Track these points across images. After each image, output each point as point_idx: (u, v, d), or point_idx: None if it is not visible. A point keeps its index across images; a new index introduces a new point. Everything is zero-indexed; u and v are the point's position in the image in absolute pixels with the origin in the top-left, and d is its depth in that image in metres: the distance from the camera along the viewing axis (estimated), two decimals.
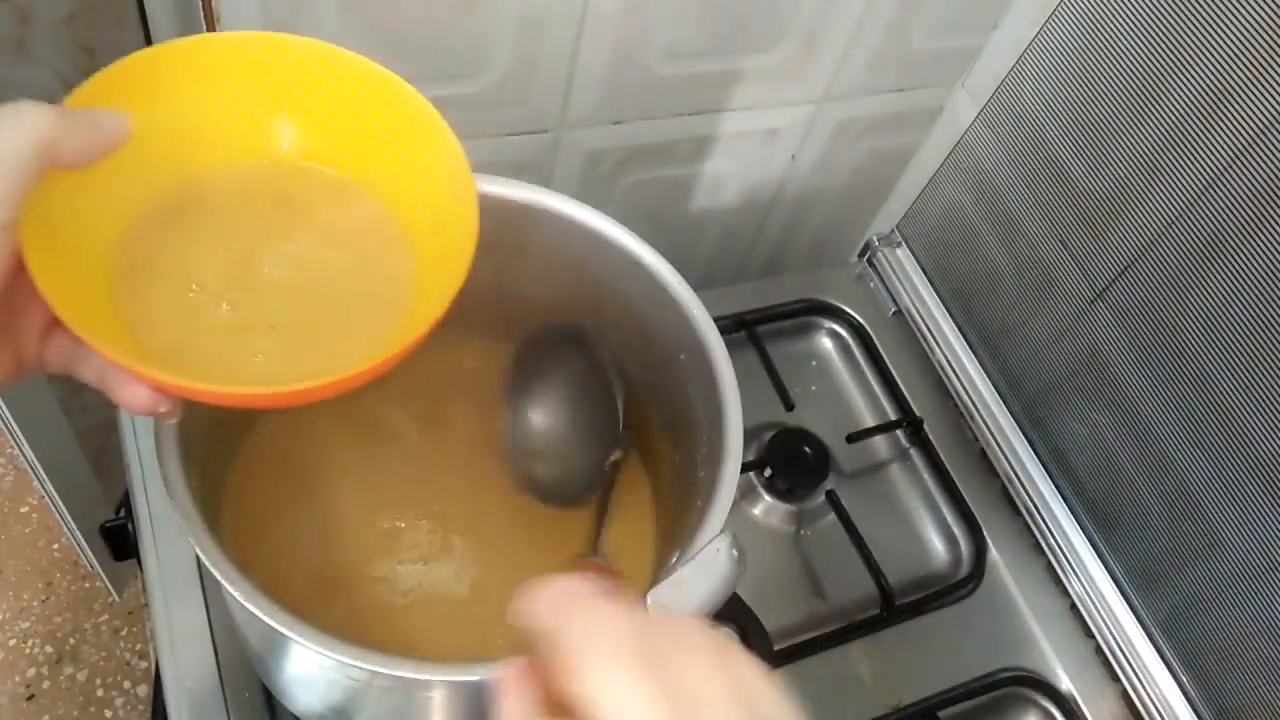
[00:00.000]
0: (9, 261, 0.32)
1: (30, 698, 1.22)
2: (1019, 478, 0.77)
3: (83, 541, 1.12)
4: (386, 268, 0.42)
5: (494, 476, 0.60)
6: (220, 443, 0.53)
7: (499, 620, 0.56)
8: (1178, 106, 0.61)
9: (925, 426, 0.79)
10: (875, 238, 0.88)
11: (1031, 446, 0.78)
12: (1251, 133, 0.57)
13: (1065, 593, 0.74)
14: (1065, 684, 0.70)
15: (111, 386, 0.36)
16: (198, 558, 0.47)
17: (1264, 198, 0.57)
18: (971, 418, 0.80)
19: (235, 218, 0.41)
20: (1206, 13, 0.58)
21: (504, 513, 0.59)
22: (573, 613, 0.31)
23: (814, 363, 0.83)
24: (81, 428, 0.96)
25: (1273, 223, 0.57)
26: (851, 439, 0.77)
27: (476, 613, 0.56)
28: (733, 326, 0.79)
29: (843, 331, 0.84)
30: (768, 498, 0.73)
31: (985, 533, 0.75)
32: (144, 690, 1.25)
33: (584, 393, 0.57)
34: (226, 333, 0.39)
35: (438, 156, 0.41)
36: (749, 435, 0.50)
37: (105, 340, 0.33)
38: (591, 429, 0.57)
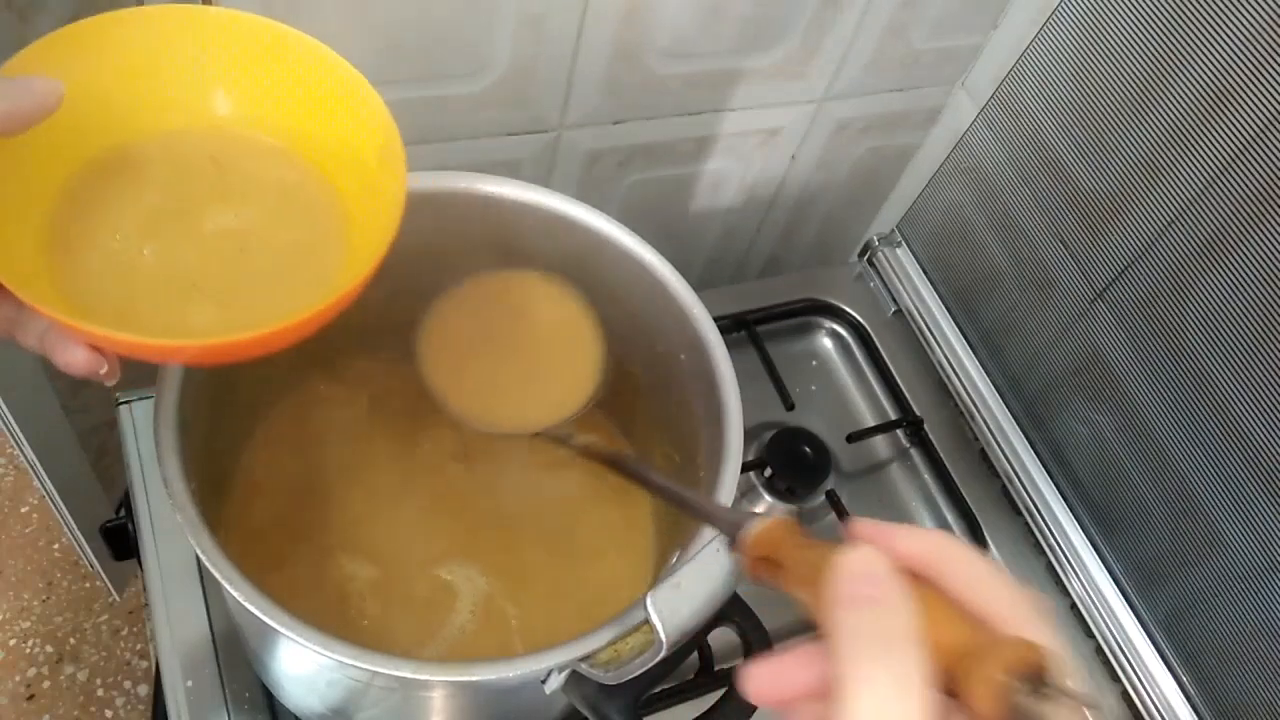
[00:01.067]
0: None
1: (30, 697, 1.22)
2: (1019, 477, 0.77)
3: (83, 541, 1.12)
4: (318, 228, 0.43)
5: (495, 477, 0.60)
6: (221, 442, 0.53)
7: (502, 621, 0.56)
8: (1177, 106, 0.61)
9: (925, 426, 0.79)
10: (875, 237, 0.88)
11: (1031, 446, 0.78)
12: (1251, 132, 0.57)
13: (1066, 592, 0.74)
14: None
15: (52, 350, 0.36)
16: (198, 558, 0.47)
17: (1264, 197, 0.57)
18: (972, 417, 0.80)
19: (167, 180, 0.42)
20: (1206, 13, 0.58)
21: (512, 515, 0.59)
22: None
23: (814, 362, 0.83)
24: (82, 428, 0.96)
25: (1272, 222, 0.57)
26: (852, 439, 0.77)
27: (479, 612, 0.56)
28: (733, 326, 0.79)
29: (843, 331, 0.84)
30: (768, 497, 0.73)
31: (985, 532, 0.75)
32: (144, 690, 1.25)
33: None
34: (159, 290, 0.39)
35: (366, 123, 0.42)
36: (749, 435, 0.50)
37: (43, 299, 0.34)
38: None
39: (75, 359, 0.36)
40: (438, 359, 0.52)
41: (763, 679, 0.29)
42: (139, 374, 0.40)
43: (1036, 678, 0.24)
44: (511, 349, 0.54)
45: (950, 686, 0.25)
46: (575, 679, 0.42)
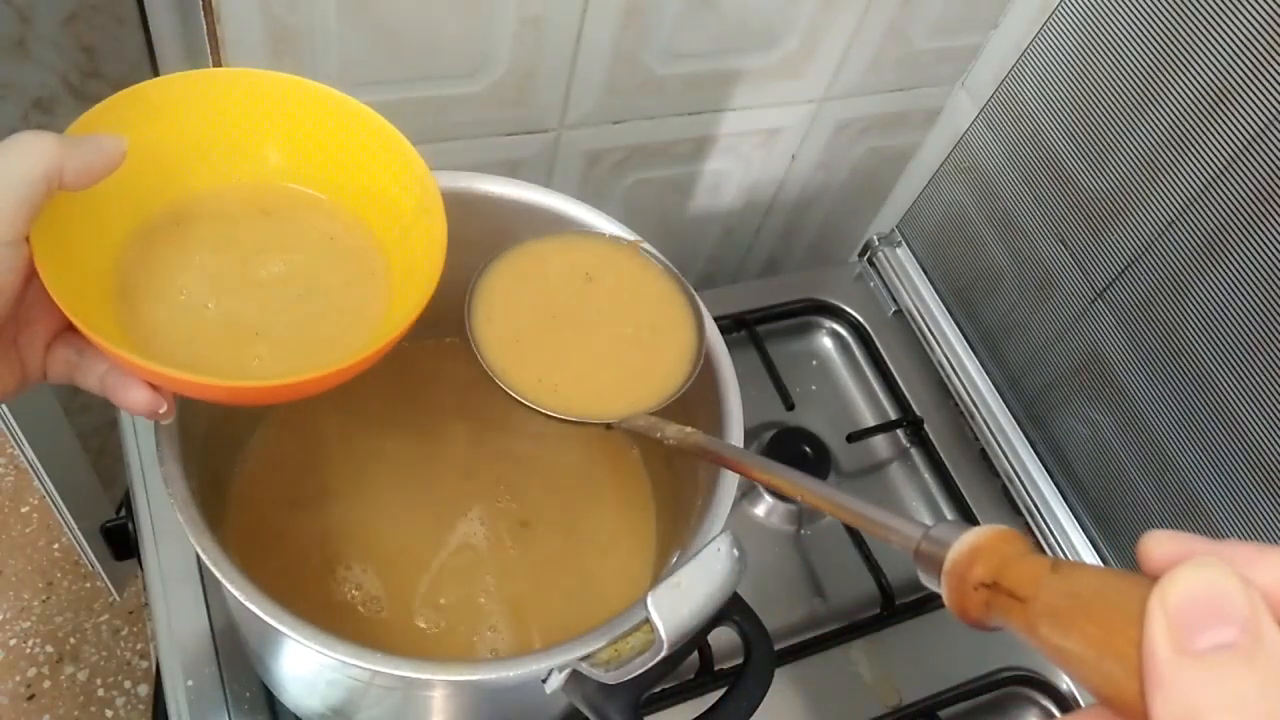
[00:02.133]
0: (20, 276, 0.35)
1: (31, 697, 1.22)
2: (1019, 477, 0.77)
3: (83, 541, 1.12)
4: (362, 273, 0.46)
5: (498, 476, 0.60)
6: (221, 442, 0.53)
7: (505, 621, 0.56)
8: (1178, 106, 0.61)
9: (925, 426, 0.79)
10: (875, 237, 0.88)
11: (1032, 446, 0.78)
12: (1251, 132, 0.57)
13: None
14: (1065, 684, 0.70)
15: (113, 391, 0.39)
16: (198, 557, 0.47)
17: (1264, 197, 0.57)
18: (972, 417, 0.80)
19: (224, 232, 0.45)
20: (1206, 12, 0.58)
21: (512, 515, 0.59)
22: None
23: (814, 362, 0.83)
24: (82, 428, 0.96)
25: (1272, 222, 0.57)
26: (852, 438, 0.77)
27: (480, 611, 0.56)
28: (733, 326, 0.79)
29: (843, 331, 0.84)
30: (768, 497, 0.73)
31: None
32: (145, 690, 1.25)
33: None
34: (218, 335, 0.42)
35: (404, 178, 0.45)
36: (749, 435, 0.49)
37: (113, 340, 0.36)
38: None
39: (137, 399, 0.39)
40: (498, 331, 0.47)
41: None
42: None
43: None
44: (587, 323, 0.48)
45: None
46: (575, 678, 0.42)
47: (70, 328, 0.39)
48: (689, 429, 0.43)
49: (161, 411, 0.39)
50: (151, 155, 0.42)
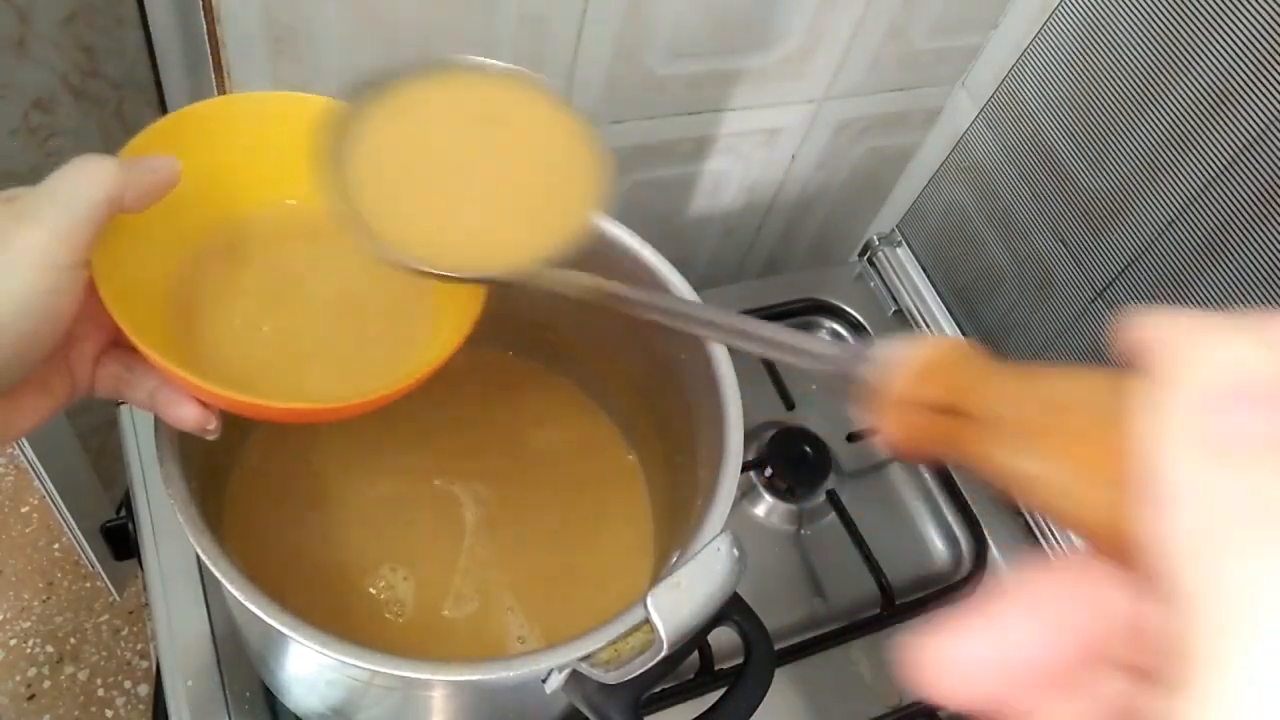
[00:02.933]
0: (80, 295, 0.36)
1: (31, 697, 1.22)
2: None
3: (83, 541, 1.12)
4: (407, 291, 0.46)
5: (499, 475, 0.60)
6: (221, 442, 0.53)
7: (504, 619, 0.56)
8: (1178, 106, 0.61)
9: None
10: (876, 237, 0.88)
11: None
12: (1252, 132, 0.57)
13: None
14: None
15: (163, 407, 0.40)
16: (198, 557, 0.47)
17: (1264, 197, 0.57)
18: None
19: (274, 254, 0.46)
20: (1207, 12, 0.58)
21: (512, 515, 0.59)
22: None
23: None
24: (82, 428, 0.96)
25: (1272, 222, 0.57)
26: (852, 438, 0.77)
27: (483, 612, 0.56)
28: None
29: (843, 331, 0.84)
30: (768, 497, 0.73)
31: (986, 532, 0.75)
32: (145, 690, 1.25)
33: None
34: (270, 356, 0.43)
35: None
36: (749, 434, 0.49)
37: (170, 358, 0.37)
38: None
39: (186, 415, 0.39)
40: (368, 176, 0.39)
41: (963, 655, 0.15)
42: None
43: None
44: (476, 172, 0.41)
45: None
46: (575, 678, 0.42)
47: (118, 342, 0.39)
48: (572, 271, 0.37)
49: (210, 428, 0.40)
50: (203, 177, 0.43)
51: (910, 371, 0.19)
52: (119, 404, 0.66)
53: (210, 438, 0.41)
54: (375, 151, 0.40)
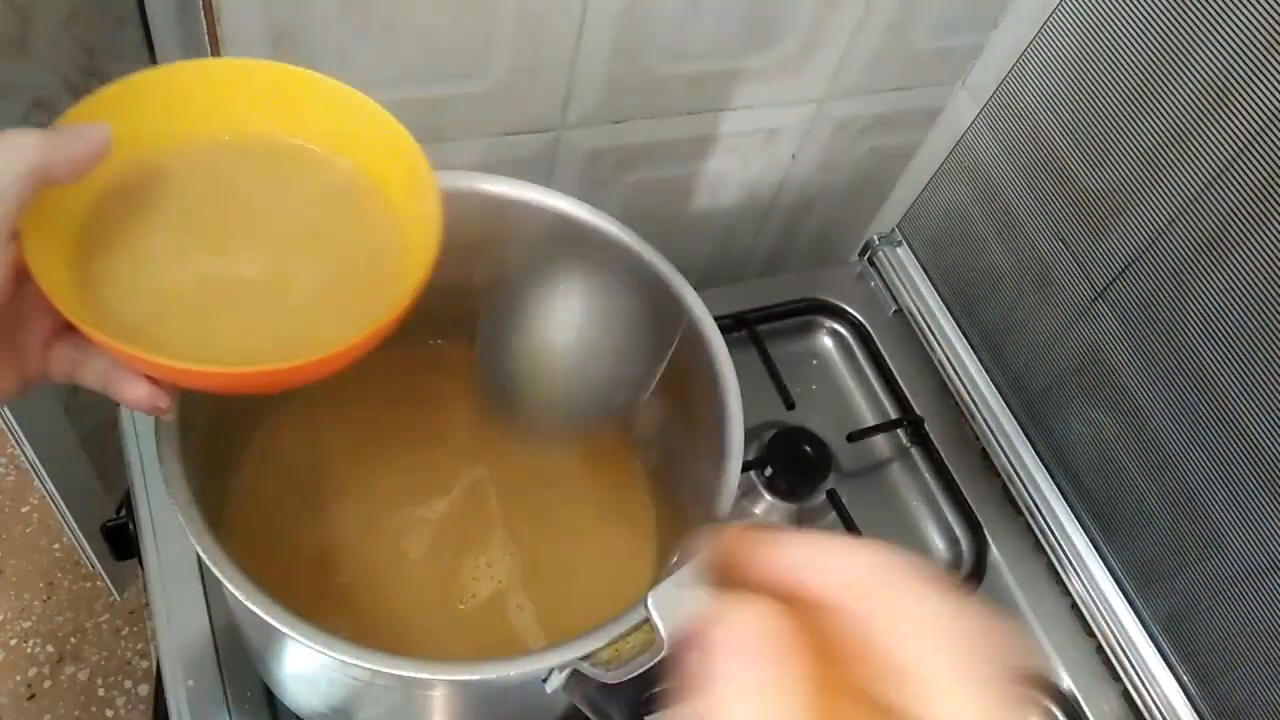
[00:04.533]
0: (9, 271, 0.35)
1: (31, 697, 1.22)
2: (1020, 477, 0.77)
3: (84, 541, 1.12)
4: (372, 233, 0.43)
5: (499, 476, 0.60)
6: (221, 442, 0.53)
7: (504, 618, 0.56)
8: (1178, 105, 0.61)
9: (926, 425, 0.79)
10: (876, 237, 0.88)
11: (1032, 445, 0.78)
12: (1252, 131, 0.57)
13: (1066, 592, 0.74)
14: (1066, 683, 0.70)
15: (114, 387, 0.38)
16: (198, 557, 0.47)
17: (1264, 196, 0.57)
18: (972, 417, 0.80)
19: (202, 189, 0.42)
20: (1207, 11, 0.58)
21: (514, 515, 0.59)
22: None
23: (815, 362, 0.83)
24: (82, 428, 0.96)
25: (1273, 221, 0.57)
26: (852, 438, 0.77)
27: (485, 612, 0.56)
28: (733, 325, 0.79)
29: (843, 330, 0.84)
30: (769, 497, 0.73)
31: (986, 532, 0.75)
32: (145, 690, 1.25)
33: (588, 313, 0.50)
34: (220, 309, 0.40)
35: (397, 154, 0.43)
36: (749, 434, 0.50)
37: (108, 333, 0.35)
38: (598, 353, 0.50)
39: (137, 393, 0.38)
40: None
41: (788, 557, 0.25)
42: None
43: None
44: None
45: None
46: (576, 678, 0.42)
47: (70, 326, 0.37)
48: None
49: (163, 406, 0.38)
50: (140, 146, 0.41)
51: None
52: (118, 403, 0.66)
53: (165, 416, 0.39)
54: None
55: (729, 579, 0.26)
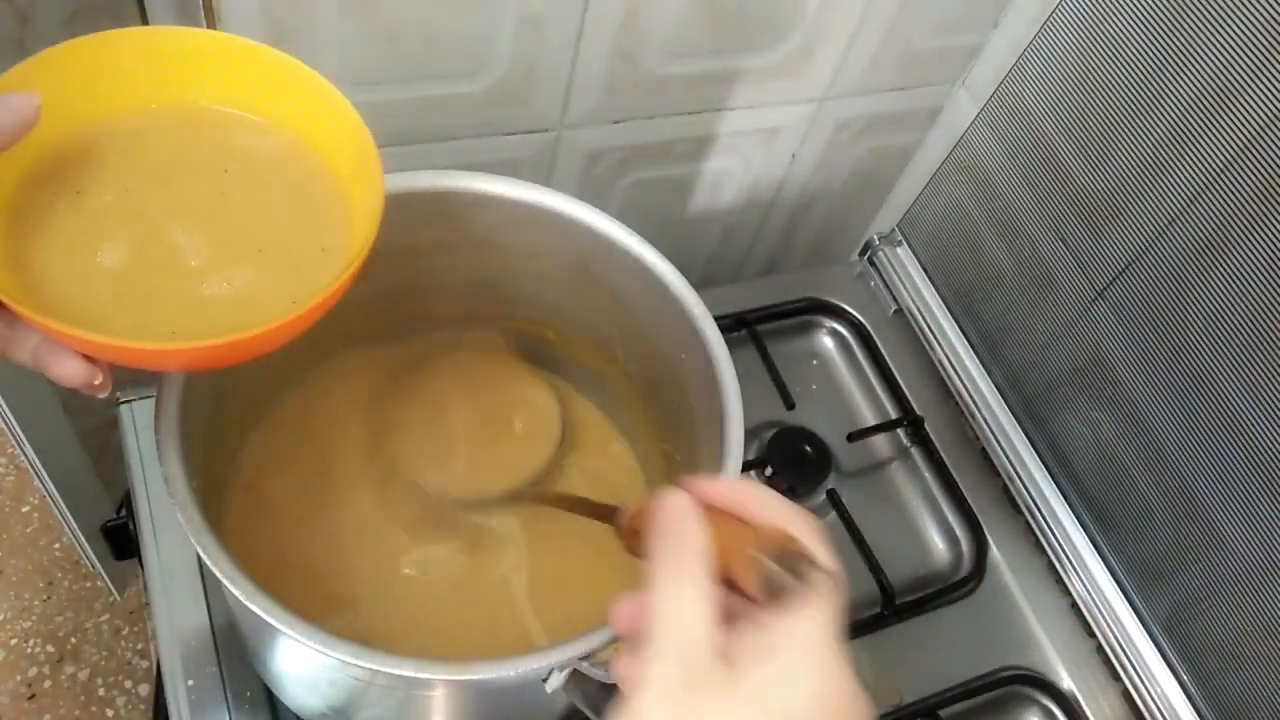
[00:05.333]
0: None
1: (31, 697, 1.22)
2: (1020, 476, 0.77)
3: (84, 541, 1.12)
4: (315, 202, 0.42)
5: (502, 474, 0.60)
6: (221, 441, 0.53)
7: (505, 617, 0.56)
8: (1178, 105, 0.61)
9: (926, 425, 0.79)
10: (876, 236, 0.88)
11: (1032, 445, 0.78)
12: (1252, 131, 0.57)
13: (1066, 591, 0.74)
14: (1066, 683, 0.70)
15: (46, 363, 0.36)
16: (199, 557, 0.47)
17: (1264, 196, 0.57)
18: (972, 416, 0.80)
19: (138, 160, 0.41)
20: (1207, 11, 0.58)
21: (514, 515, 0.59)
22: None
23: (815, 361, 0.83)
24: (82, 427, 0.96)
25: (1273, 221, 0.57)
26: (852, 438, 0.77)
27: (485, 611, 0.56)
28: (733, 325, 0.79)
29: (843, 330, 0.84)
30: None
31: (986, 531, 0.75)
32: (145, 689, 1.25)
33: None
34: (158, 284, 0.38)
35: (337, 122, 0.42)
36: (749, 434, 0.50)
37: (42, 311, 0.34)
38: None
39: (70, 370, 0.36)
40: (406, 436, 0.58)
41: (625, 612, 0.35)
42: (140, 374, 0.40)
43: (786, 555, 0.32)
44: (468, 418, 0.59)
45: (730, 579, 0.33)
46: (576, 678, 0.42)
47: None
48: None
49: (97, 383, 0.37)
50: (73, 117, 0.39)
51: (626, 517, 0.41)
52: (119, 404, 0.66)
53: (101, 394, 0.37)
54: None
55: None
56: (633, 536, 0.39)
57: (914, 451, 0.79)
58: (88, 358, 0.36)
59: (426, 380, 0.60)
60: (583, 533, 0.59)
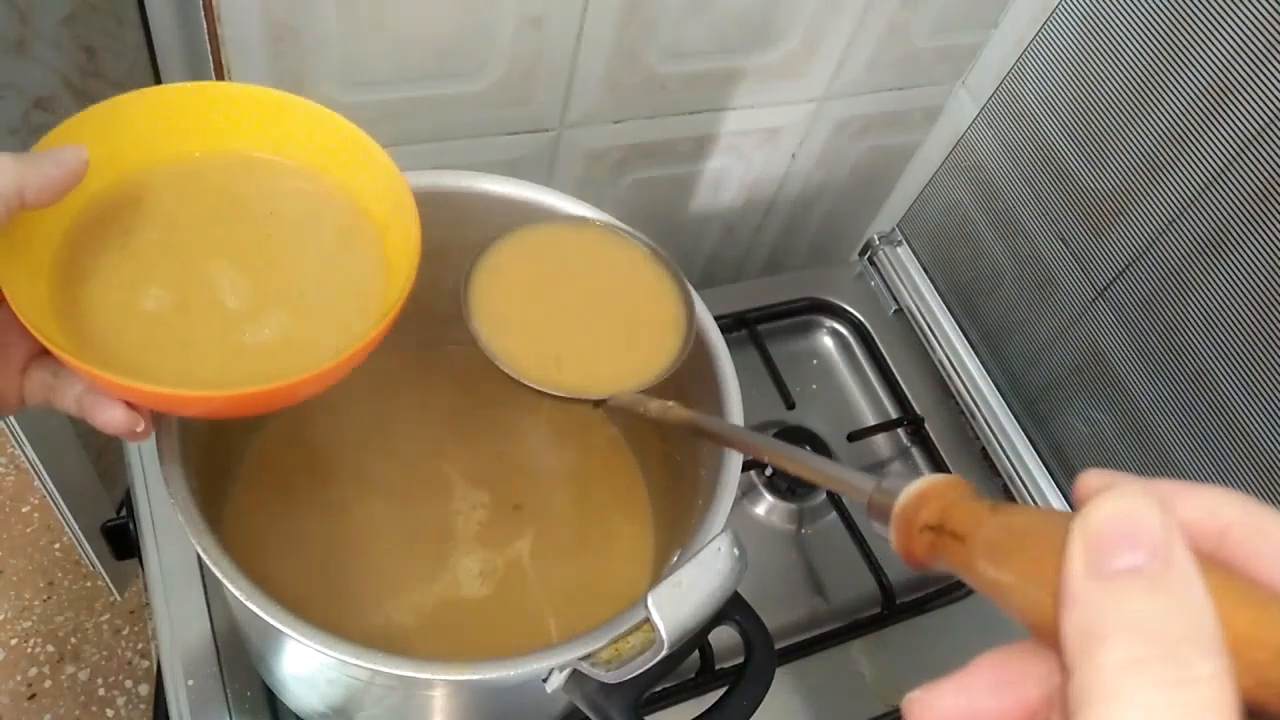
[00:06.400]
0: None
1: (32, 697, 1.22)
2: (1020, 476, 0.77)
3: (84, 541, 1.12)
4: (355, 239, 0.43)
5: (497, 478, 0.60)
6: (222, 442, 0.53)
7: (504, 619, 0.56)
8: (1178, 105, 0.61)
9: (926, 425, 0.79)
10: (876, 236, 0.88)
11: (1032, 445, 0.78)
12: (1252, 130, 0.57)
13: None
14: None
15: (90, 411, 0.37)
16: (199, 556, 0.47)
17: (1265, 195, 0.57)
18: (972, 416, 0.80)
19: (184, 202, 0.42)
20: (1207, 10, 0.58)
21: (515, 515, 0.59)
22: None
23: (815, 361, 0.83)
24: (82, 428, 0.96)
25: (1273, 220, 0.57)
26: (853, 437, 0.77)
27: (485, 612, 0.56)
28: (734, 325, 0.79)
29: (844, 330, 0.84)
30: (769, 496, 0.73)
31: None
32: (145, 689, 1.25)
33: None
34: (201, 336, 0.39)
35: (376, 174, 0.43)
36: None
37: (88, 360, 0.35)
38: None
39: (113, 418, 0.37)
40: (492, 315, 0.47)
41: (942, 706, 0.21)
42: None
43: None
44: (577, 306, 0.48)
45: (1258, 702, 0.18)
46: (576, 678, 0.42)
47: (45, 351, 0.37)
48: (670, 403, 0.44)
49: (139, 430, 0.38)
50: (118, 168, 0.40)
51: (912, 499, 0.25)
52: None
53: (142, 440, 0.38)
54: (497, 294, 0.47)
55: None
56: (929, 540, 0.24)
57: (914, 451, 0.79)
58: (130, 404, 0.37)
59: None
60: (579, 529, 0.60)
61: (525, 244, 0.50)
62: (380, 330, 0.38)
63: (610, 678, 0.41)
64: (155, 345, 0.38)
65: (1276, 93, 0.55)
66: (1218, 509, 0.20)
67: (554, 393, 0.44)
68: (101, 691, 1.24)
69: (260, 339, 0.40)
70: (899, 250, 0.87)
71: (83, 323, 0.38)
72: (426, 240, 0.49)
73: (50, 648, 1.26)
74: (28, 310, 0.35)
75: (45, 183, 0.35)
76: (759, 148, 0.77)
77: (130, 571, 1.26)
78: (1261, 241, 0.58)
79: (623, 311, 0.49)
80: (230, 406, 0.37)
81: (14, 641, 1.25)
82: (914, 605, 0.70)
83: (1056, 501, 0.76)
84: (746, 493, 0.73)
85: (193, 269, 0.41)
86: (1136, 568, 0.18)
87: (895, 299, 0.85)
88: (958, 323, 0.84)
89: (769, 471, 0.73)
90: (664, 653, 0.40)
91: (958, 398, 0.81)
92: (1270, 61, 0.55)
